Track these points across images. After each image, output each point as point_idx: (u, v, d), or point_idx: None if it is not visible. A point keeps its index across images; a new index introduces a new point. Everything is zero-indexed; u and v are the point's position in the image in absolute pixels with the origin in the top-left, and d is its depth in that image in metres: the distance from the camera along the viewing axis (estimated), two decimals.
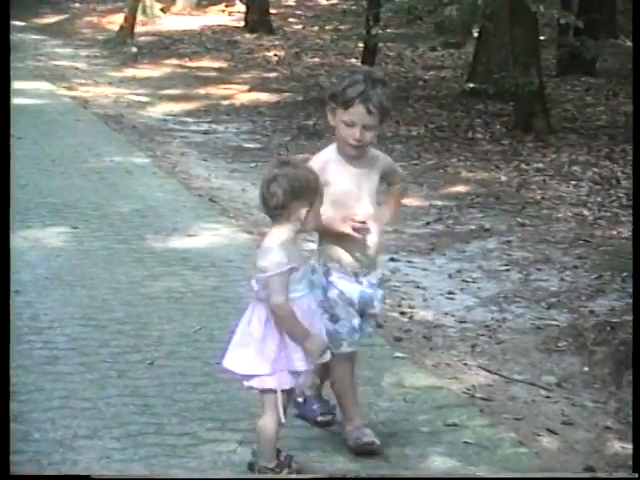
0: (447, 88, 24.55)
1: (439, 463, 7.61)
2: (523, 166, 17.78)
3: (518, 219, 14.53)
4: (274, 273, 6.55)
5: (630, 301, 11.27)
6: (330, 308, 6.78)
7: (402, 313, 10.84)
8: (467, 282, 11.73)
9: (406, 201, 15.52)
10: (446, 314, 10.86)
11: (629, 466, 7.91)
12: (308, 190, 6.56)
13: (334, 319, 6.72)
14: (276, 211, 6.61)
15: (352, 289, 6.83)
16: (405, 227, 14.12)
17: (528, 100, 20.20)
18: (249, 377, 6.86)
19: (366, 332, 7.21)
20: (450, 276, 12.14)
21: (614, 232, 13.92)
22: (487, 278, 12.11)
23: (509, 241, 13.47)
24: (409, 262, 12.58)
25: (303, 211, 6.56)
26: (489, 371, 9.45)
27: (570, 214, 14.77)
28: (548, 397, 9.06)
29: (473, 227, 14.13)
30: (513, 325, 10.65)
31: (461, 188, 16.41)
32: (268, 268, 6.61)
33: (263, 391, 6.85)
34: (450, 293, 11.55)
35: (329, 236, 7.04)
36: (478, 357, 9.73)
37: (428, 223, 14.42)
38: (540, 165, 17.86)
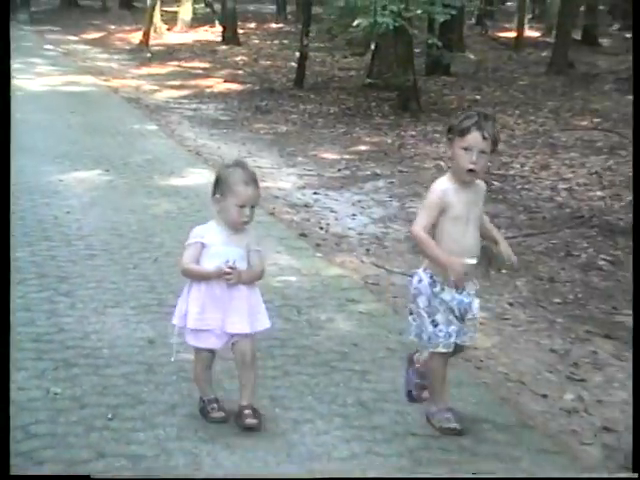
0: (353, 82, 24.41)
1: (342, 324, 7.62)
2: (402, 133, 17.75)
3: (398, 167, 14.51)
4: (187, 242, 5.73)
5: None
6: (432, 314, 5.71)
7: (320, 228, 10.80)
8: (364, 208, 11.70)
9: (325, 155, 15.52)
10: (350, 229, 10.83)
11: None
12: (218, 182, 5.60)
13: (434, 323, 5.71)
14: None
15: (453, 299, 5.70)
16: (324, 172, 14.09)
17: (406, 91, 20.23)
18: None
19: (467, 335, 5.87)
20: (353, 204, 12.09)
21: None
22: (377, 205, 12.08)
23: (392, 182, 13.44)
24: (326, 195, 12.53)
25: (215, 199, 5.63)
26: (377, 266, 9.43)
27: (432, 165, 14.75)
28: None
29: (369, 173, 14.09)
30: (394, 236, 10.63)
31: (361, 147, 16.36)
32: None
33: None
34: (353, 215, 11.51)
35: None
36: (370, 257, 9.70)
37: (339, 170, 14.36)
38: (413, 133, 17.84)
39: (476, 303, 5.88)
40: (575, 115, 20.04)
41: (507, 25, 38.86)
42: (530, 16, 40.23)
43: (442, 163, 14.76)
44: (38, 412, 5.80)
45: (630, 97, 22.33)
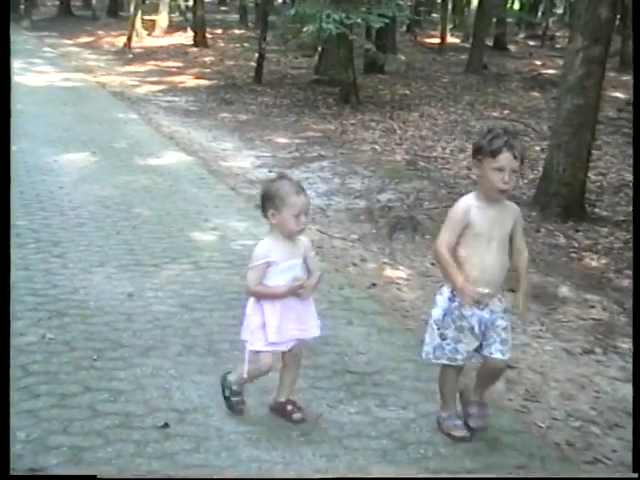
0: (303, 79, 24.27)
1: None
2: (344, 122, 17.66)
3: (340, 150, 14.44)
4: (251, 265, 4.89)
5: (399, 195, 11.31)
6: (442, 328, 4.95)
7: None
8: (310, 184, 11.61)
9: (279, 139, 15.44)
10: (311, 199, 10.76)
11: (389, 283, 7.93)
12: (269, 197, 4.82)
13: (442, 337, 4.95)
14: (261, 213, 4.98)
15: (473, 314, 4.89)
16: (278, 154, 14.00)
17: (347, 86, 20.12)
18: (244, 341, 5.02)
19: (493, 346, 4.95)
20: (302, 181, 11.91)
21: (391, 158, 13.88)
22: (322, 182, 12.02)
23: (334, 162, 13.39)
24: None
25: (270, 214, 4.83)
26: (321, 232, 9.40)
27: (368, 148, 14.71)
28: (353, 246, 9.05)
29: (315, 154, 14.03)
30: (335, 208, 10.60)
31: (309, 133, 16.26)
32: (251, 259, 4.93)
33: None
34: None
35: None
36: (316, 225, 9.63)
37: (290, 152, 14.28)
38: (353, 121, 17.75)
39: (500, 321, 4.94)
40: (488, 107, 20.07)
41: (432, 32, 38.81)
42: (451, 25, 40.19)
43: (377, 147, 14.76)
44: (35, 354, 5.80)
45: (534, 93, 22.50)
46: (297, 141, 15.36)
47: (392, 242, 9.16)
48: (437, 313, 4.99)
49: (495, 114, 18.96)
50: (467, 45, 30.95)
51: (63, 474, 4.30)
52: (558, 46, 35.93)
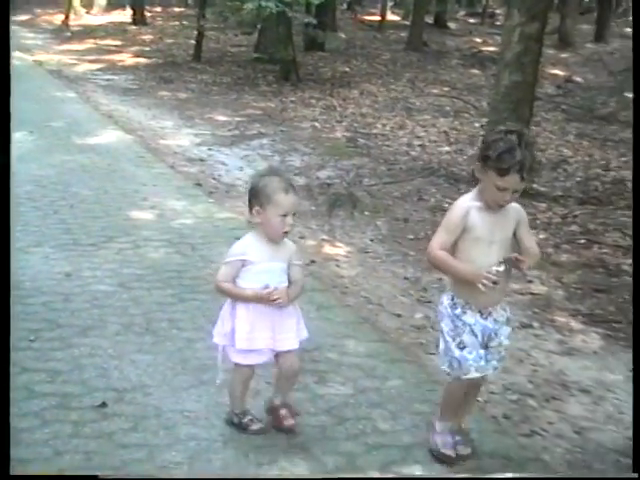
0: (243, 57, 24.17)
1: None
2: (284, 99, 17.64)
3: (280, 127, 14.42)
4: (225, 259, 4.56)
5: (338, 172, 11.32)
6: (457, 335, 4.47)
7: (213, 178, 10.71)
8: (250, 161, 11.61)
9: (218, 117, 15.36)
10: (238, 179, 10.72)
11: (328, 259, 7.93)
12: (255, 193, 4.40)
13: (461, 346, 4.46)
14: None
15: (477, 323, 4.46)
16: (217, 132, 13.94)
17: (287, 64, 20.12)
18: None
19: (491, 364, 4.58)
20: (241, 158, 11.99)
21: (331, 135, 13.89)
22: (261, 159, 11.99)
23: (274, 139, 13.37)
24: (219, 151, 12.40)
25: (254, 212, 4.42)
26: None
27: (308, 125, 14.70)
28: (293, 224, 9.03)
29: (255, 132, 13.99)
30: None
31: (249, 111, 16.21)
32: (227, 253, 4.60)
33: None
34: (241, 167, 11.40)
35: None
36: None
37: (230, 130, 14.23)
38: (293, 99, 17.74)
39: (504, 330, 4.57)
40: (428, 84, 20.13)
41: (373, 10, 38.84)
42: (392, 3, 40.26)
43: (317, 124, 14.74)
44: None
45: (474, 71, 22.60)
46: (237, 119, 15.30)
47: (331, 219, 9.16)
48: (446, 323, 4.50)
49: (435, 91, 19.03)
50: (407, 23, 30.97)
51: (63, 474, 4.18)
52: (498, 23, 36.03)
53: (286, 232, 4.49)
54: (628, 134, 15.20)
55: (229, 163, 11.63)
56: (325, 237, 8.57)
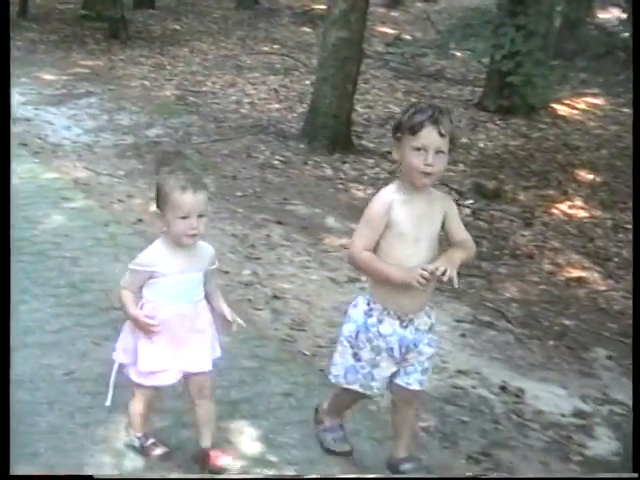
0: (71, 14, 23.50)
1: (56, 219, 7.47)
2: (113, 58, 17.25)
3: (109, 86, 14.09)
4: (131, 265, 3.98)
5: (167, 131, 11.23)
6: (356, 347, 4.05)
7: (39, 138, 10.37)
8: (78, 121, 11.38)
9: (45, 76, 14.96)
10: (65, 138, 10.49)
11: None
12: (156, 193, 3.97)
13: (356, 358, 4.06)
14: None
15: (394, 333, 3.99)
16: (44, 91, 13.54)
17: (116, 22, 19.68)
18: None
19: (412, 376, 4.11)
20: (68, 118, 11.70)
21: (161, 93, 13.70)
22: (89, 119, 11.73)
23: (103, 98, 13.06)
24: (45, 110, 12.05)
25: (157, 217, 4.01)
26: (88, 169, 9.22)
27: (138, 84, 14.44)
28: (119, 182, 8.91)
29: (83, 91, 13.65)
30: (103, 144, 10.41)
31: (77, 70, 15.77)
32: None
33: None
34: (68, 127, 11.13)
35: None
36: (82, 162, 9.47)
37: (57, 89, 13.80)
38: (122, 57, 17.35)
39: (426, 340, 4.09)
40: (259, 42, 20.05)
41: None
42: None
43: (146, 83, 14.53)
44: None
45: (305, 29, 22.66)
46: (64, 78, 14.91)
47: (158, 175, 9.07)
48: (349, 329, 4.09)
49: (266, 49, 18.98)
50: None
51: (62, 474, 4.00)
52: None
53: (192, 236, 3.88)
54: (455, 91, 15.60)
55: (56, 122, 11.34)
56: (152, 195, 8.44)
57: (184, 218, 3.83)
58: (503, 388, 5.48)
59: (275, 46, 19.55)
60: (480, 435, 4.87)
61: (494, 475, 4.53)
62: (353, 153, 10.74)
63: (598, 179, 11.13)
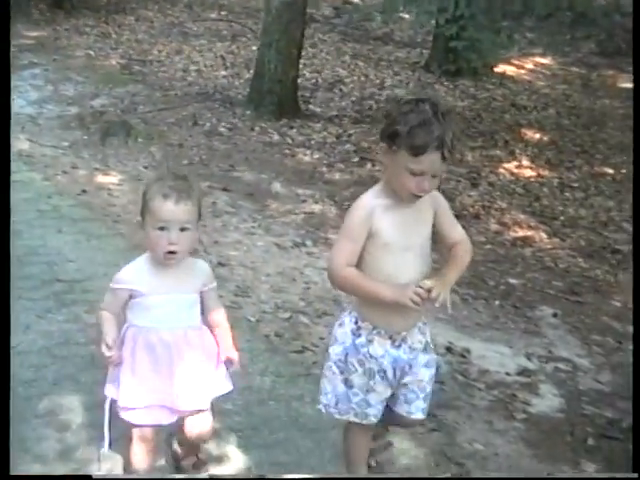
0: None
1: None
2: (57, 28, 16.82)
3: (53, 57, 13.87)
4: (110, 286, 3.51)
5: (113, 100, 11.11)
6: (347, 371, 3.58)
7: None
8: (21, 92, 11.12)
9: None
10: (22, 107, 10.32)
11: (101, 189, 7.81)
12: (142, 203, 3.44)
13: (348, 384, 3.59)
14: None
15: (386, 354, 3.53)
16: None
17: None
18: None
19: (413, 404, 3.69)
20: (12, 90, 11.48)
21: (106, 63, 13.52)
22: (33, 90, 11.53)
23: (47, 69, 12.86)
24: None
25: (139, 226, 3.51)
26: (31, 141, 9.05)
27: (83, 54, 14.20)
28: (64, 154, 8.79)
29: (27, 62, 13.42)
30: (47, 116, 10.24)
31: (21, 41, 15.34)
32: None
33: None
34: (12, 99, 10.95)
35: None
36: (25, 134, 9.27)
37: None
38: (67, 27, 16.94)
39: (422, 359, 3.65)
40: (206, 9, 19.85)
41: None
42: None
43: (91, 52, 14.36)
44: None
45: None
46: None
47: (104, 148, 9.00)
48: (336, 351, 3.62)
49: (213, 15, 18.82)
50: None
51: (61, 474, 3.89)
52: None
53: (170, 252, 3.38)
54: (403, 53, 15.58)
55: None
56: (98, 166, 8.41)
57: (162, 229, 3.35)
58: (449, 349, 5.52)
59: (222, 12, 19.39)
60: None
61: (492, 475, 4.36)
62: (300, 118, 10.70)
63: (545, 138, 11.18)
